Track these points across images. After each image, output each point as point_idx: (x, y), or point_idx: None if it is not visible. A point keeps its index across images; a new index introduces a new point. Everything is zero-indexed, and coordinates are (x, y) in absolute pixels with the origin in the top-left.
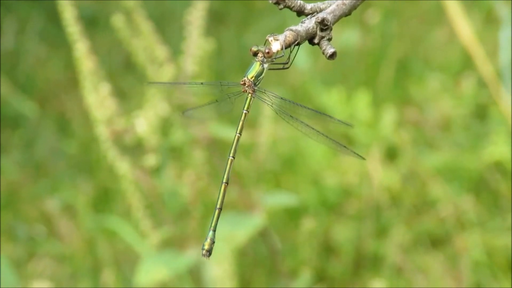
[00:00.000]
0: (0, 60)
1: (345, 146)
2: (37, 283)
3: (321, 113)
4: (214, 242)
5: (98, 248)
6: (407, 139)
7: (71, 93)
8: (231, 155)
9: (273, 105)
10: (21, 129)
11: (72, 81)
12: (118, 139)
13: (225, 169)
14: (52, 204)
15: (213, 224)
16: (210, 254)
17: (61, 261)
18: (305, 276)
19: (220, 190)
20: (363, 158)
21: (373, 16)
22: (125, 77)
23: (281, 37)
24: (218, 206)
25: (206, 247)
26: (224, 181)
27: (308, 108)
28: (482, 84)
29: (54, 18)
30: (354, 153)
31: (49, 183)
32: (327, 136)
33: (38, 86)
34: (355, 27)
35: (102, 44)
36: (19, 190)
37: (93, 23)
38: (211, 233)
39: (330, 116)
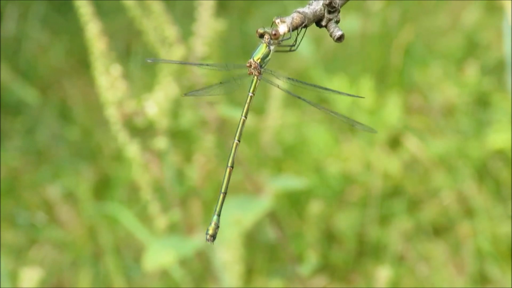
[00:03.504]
0: (1, 46)
1: (354, 121)
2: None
3: (329, 90)
4: (218, 227)
5: (99, 235)
6: (410, 126)
7: (73, 80)
8: (236, 138)
9: (279, 87)
10: (22, 115)
11: (74, 68)
12: (127, 122)
13: (230, 152)
14: (53, 191)
15: (217, 209)
16: (214, 239)
17: (62, 248)
18: (311, 260)
19: (225, 174)
20: (375, 131)
21: (375, 2)
22: (133, 60)
23: (288, 19)
24: (222, 191)
25: (210, 231)
26: (229, 164)
27: (316, 86)
28: (485, 71)
29: (56, 5)
30: (364, 126)
31: (51, 169)
32: (335, 113)
33: (39, 73)
34: (356, 14)
35: (108, 28)
36: (20, 176)
37: (99, 8)
38: (215, 217)
39: (338, 92)
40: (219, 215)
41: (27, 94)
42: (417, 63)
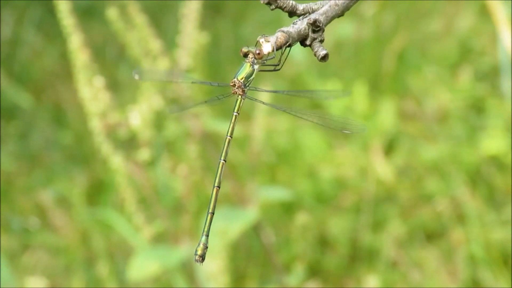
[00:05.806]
0: None
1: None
2: (33, 280)
3: (314, 91)
4: (207, 248)
5: (92, 240)
6: (404, 132)
7: (67, 84)
8: (222, 158)
9: (264, 103)
10: (16, 120)
11: (68, 72)
12: (112, 133)
13: (217, 172)
14: (46, 196)
15: (205, 229)
16: (203, 259)
17: (55, 253)
18: (298, 271)
19: (212, 194)
20: (363, 131)
21: (369, 8)
22: (121, 68)
23: (272, 39)
24: (210, 211)
25: (199, 252)
26: (216, 185)
27: (302, 92)
28: (479, 76)
29: (51, 9)
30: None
31: (44, 174)
32: (321, 123)
33: (34, 77)
34: (350, 19)
35: (98, 35)
36: (13, 181)
37: (89, 14)
38: (204, 238)
39: (322, 91)
40: (207, 236)
41: (21, 98)
42: (410, 68)
